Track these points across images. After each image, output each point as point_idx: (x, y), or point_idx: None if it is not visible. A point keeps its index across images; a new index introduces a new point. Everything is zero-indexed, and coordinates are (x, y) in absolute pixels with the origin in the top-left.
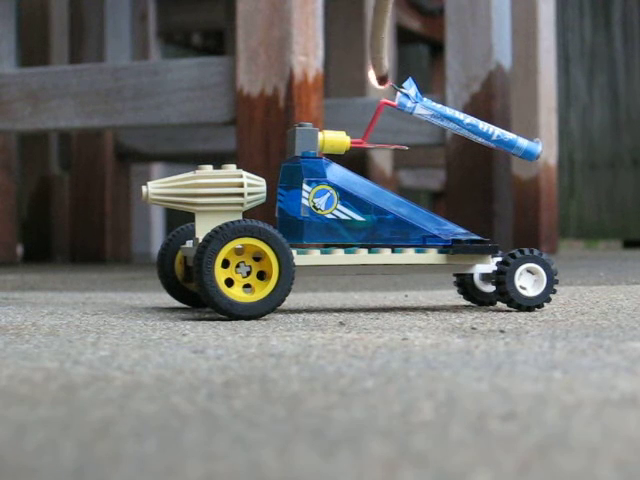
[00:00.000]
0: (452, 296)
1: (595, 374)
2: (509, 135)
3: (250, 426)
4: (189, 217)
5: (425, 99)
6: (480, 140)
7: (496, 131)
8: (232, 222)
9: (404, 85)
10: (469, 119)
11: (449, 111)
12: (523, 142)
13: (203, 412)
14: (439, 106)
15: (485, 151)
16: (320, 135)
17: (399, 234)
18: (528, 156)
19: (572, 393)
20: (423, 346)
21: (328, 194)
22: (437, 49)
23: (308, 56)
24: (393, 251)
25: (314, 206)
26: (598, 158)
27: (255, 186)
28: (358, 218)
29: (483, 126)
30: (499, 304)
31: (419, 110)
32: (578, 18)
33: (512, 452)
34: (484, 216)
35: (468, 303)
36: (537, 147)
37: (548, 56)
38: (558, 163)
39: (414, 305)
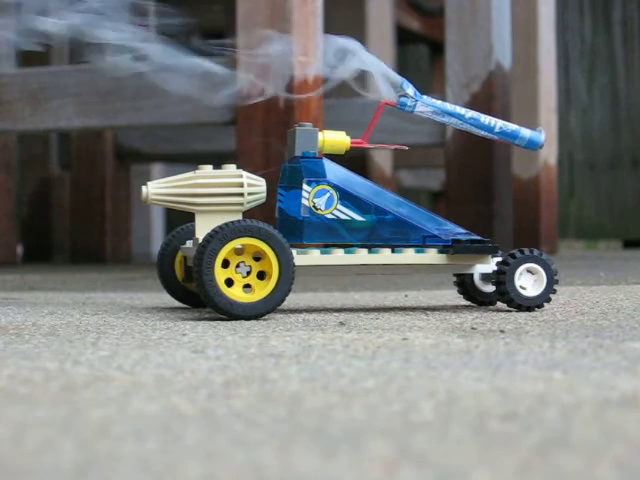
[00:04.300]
0: (452, 296)
1: (595, 374)
2: (511, 126)
3: (250, 426)
4: (189, 217)
5: (425, 96)
6: (483, 133)
7: (498, 123)
8: (232, 222)
9: (402, 86)
10: (470, 113)
11: (450, 107)
12: (526, 132)
13: (203, 412)
14: (439, 102)
15: (485, 151)
16: (320, 135)
17: (399, 234)
18: (532, 146)
19: (572, 393)
20: (423, 346)
21: (328, 194)
22: (437, 49)
23: (308, 56)
24: (393, 251)
25: (314, 206)
26: (598, 158)
27: (255, 186)
28: (358, 218)
29: (485, 119)
30: (499, 304)
31: (419, 108)
32: (578, 18)
33: (512, 452)
34: (484, 216)
35: (468, 303)
36: (540, 136)
37: (548, 56)
38: (558, 163)
39: (414, 305)
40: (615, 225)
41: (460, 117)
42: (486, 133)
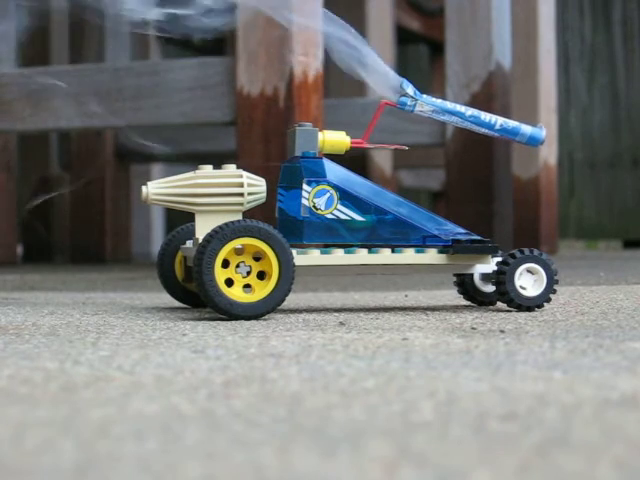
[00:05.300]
0: (452, 296)
1: (595, 374)
2: (512, 123)
3: (250, 426)
4: (189, 217)
5: (424, 95)
6: (484, 131)
7: (499, 120)
8: (232, 222)
9: (402, 86)
10: (470, 111)
11: (450, 105)
12: (527, 128)
13: (203, 412)
14: (439, 101)
15: (485, 151)
16: (320, 135)
17: (399, 234)
18: (533, 142)
19: (572, 393)
20: (423, 346)
21: (328, 194)
22: (437, 49)
23: (308, 56)
24: (393, 251)
25: (314, 206)
26: (598, 158)
27: (255, 186)
28: (358, 218)
29: (485, 116)
30: (499, 304)
31: (419, 107)
32: (578, 18)
33: (512, 452)
34: (484, 216)
35: (468, 303)
36: (541, 132)
37: (548, 56)
38: (558, 163)
39: (414, 305)
40: (615, 225)
41: (460, 115)
42: (487, 130)
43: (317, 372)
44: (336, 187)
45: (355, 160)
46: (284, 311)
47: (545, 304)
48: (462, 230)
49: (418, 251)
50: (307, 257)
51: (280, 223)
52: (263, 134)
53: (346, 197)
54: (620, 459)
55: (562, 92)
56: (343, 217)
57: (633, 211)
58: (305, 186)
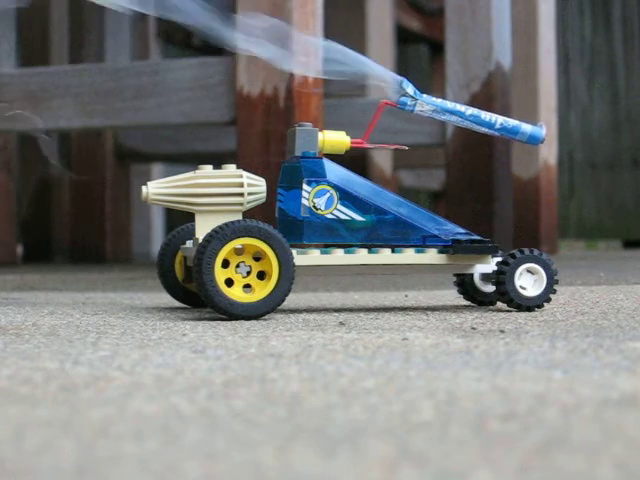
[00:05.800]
0: (452, 296)
1: (595, 374)
2: (512, 122)
3: (250, 426)
4: (189, 217)
5: (424, 95)
6: (484, 130)
7: (499, 119)
8: (232, 222)
9: (402, 85)
10: (471, 110)
11: (450, 104)
12: (527, 127)
13: (203, 412)
14: (439, 100)
15: (485, 151)
16: (320, 135)
17: (399, 234)
18: (533, 141)
19: (572, 393)
20: (423, 346)
21: (328, 194)
22: (437, 49)
23: (308, 56)
24: (393, 251)
25: (314, 206)
26: (598, 158)
27: (255, 186)
28: (358, 218)
29: (485, 116)
30: (499, 304)
31: (419, 107)
32: (578, 18)
33: (512, 452)
34: (484, 216)
35: (468, 303)
36: (541, 131)
37: (548, 56)
38: (558, 163)
39: (414, 305)
40: (615, 225)
41: (461, 114)
42: (487, 130)
43: (317, 372)
44: (336, 187)
45: (355, 160)
46: (284, 311)
47: (545, 304)
48: (462, 230)
49: (418, 251)
50: (307, 257)
51: (280, 223)
52: (263, 134)
53: (346, 197)
54: (620, 459)
55: (562, 92)
56: (343, 217)
57: (633, 211)
58: (305, 186)
